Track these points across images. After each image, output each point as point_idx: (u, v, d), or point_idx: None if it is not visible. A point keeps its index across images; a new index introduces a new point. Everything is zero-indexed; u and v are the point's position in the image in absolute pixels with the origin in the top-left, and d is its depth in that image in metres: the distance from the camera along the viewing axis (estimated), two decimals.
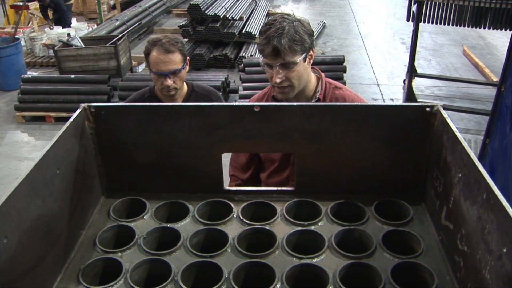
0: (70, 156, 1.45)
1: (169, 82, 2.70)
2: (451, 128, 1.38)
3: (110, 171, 1.66)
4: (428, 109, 1.47)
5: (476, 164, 1.19)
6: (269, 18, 2.24)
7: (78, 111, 1.51)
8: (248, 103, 1.54)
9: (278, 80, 2.13)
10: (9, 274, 1.12)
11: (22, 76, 7.25)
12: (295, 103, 1.55)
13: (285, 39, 2.06)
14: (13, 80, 7.73)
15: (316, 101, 2.27)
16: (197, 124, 1.57)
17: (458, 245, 1.29)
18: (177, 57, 2.70)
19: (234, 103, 1.56)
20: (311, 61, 2.24)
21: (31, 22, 10.97)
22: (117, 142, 1.61)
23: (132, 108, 1.61)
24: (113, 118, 1.57)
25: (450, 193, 1.36)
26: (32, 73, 8.18)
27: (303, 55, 2.14)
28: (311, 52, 2.20)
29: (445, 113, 1.45)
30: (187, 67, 2.81)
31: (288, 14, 2.19)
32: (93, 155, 1.60)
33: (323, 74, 2.38)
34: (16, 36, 8.33)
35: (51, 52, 8.62)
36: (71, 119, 1.45)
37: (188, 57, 2.82)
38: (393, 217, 1.54)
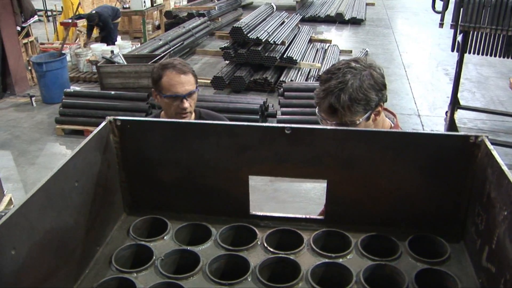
0: (91, 169, 1.40)
1: (186, 104, 2.59)
2: (496, 161, 1.26)
3: (133, 187, 1.61)
4: (471, 139, 1.37)
5: None
6: (334, 64, 1.95)
7: (103, 123, 1.47)
8: (279, 125, 1.46)
9: None
10: (16, 287, 1.07)
11: (65, 90, 7.42)
12: (328, 127, 1.47)
13: (345, 97, 1.80)
14: (57, 93, 7.92)
15: None
16: (225, 144, 1.50)
17: None
18: (191, 78, 2.62)
19: (264, 124, 1.49)
20: (378, 116, 1.95)
21: (78, 39, 11.29)
22: (142, 158, 1.56)
23: (158, 124, 1.56)
24: (139, 133, 1.53)
25: (494, 232, 1.24)
26: (75, 88, 8.36)
27: (366, 115, 1.87)
28: (378, 108, 1.91)
29: (490, 145, 1.34)
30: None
31: (357, 61, 1.90)
32: (116, 170, 1.56)
33: (397, 126, 2.07)
34: (63, 52, 8.57)
35: (94, 68, 8.81)
36: (95, 131, 1.41)
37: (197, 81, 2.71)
38: (429, 254, 1.42)
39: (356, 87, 1.81)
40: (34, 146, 6.83)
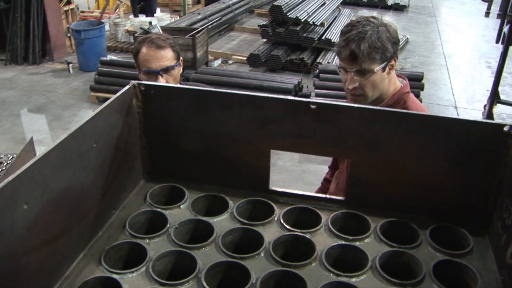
0: (111, 132, 1.39)
1: (162, 80, 2.51)
2: None
3: (153, 154, 1.59)
4: (506, 128, 1.29)
5: None
6: (353, 19, 2.12)
7: (127, 87, 1.45)
8: (304, 99, 1.41)
9: (350, 87, 2.05)
10: (27, 242, 1.06)
11: (101, 58, 7.48)
12: (355, 105, 1.41)
13: (365, 45, 1.96)
14: (93, 61, 8.00)
15: None
16: (248, 115, 1.47)
17: None
18: (168, 53, 2.53)
19: (289, 97, 1.44)
20: (392, 71, 2.11)
21: (118, 9, 11.36)
22: (164, 124, 1.54)
23: (182, 91, 1.53)
24: (162, 98, 1.50)
25: None
26: (111, 57, 8.43)
27: (383, 64, 2.02)
28: (392, 62, 2.08)
29: None
30: (180, 67, 2.62)
31: (374, 17, 2.06)
32: (137, 135, 1.54)
33: (407, 86, 2.19)
34: (102, 20, 8.64)
35: (132, 39, 8.85)
36: (117, 94, 1.40)
37: (181, 57, 2.62)
38: (450, 245, 1.36)
39: (374, 37, 1.98)
40: (68, 112, 6.94)
